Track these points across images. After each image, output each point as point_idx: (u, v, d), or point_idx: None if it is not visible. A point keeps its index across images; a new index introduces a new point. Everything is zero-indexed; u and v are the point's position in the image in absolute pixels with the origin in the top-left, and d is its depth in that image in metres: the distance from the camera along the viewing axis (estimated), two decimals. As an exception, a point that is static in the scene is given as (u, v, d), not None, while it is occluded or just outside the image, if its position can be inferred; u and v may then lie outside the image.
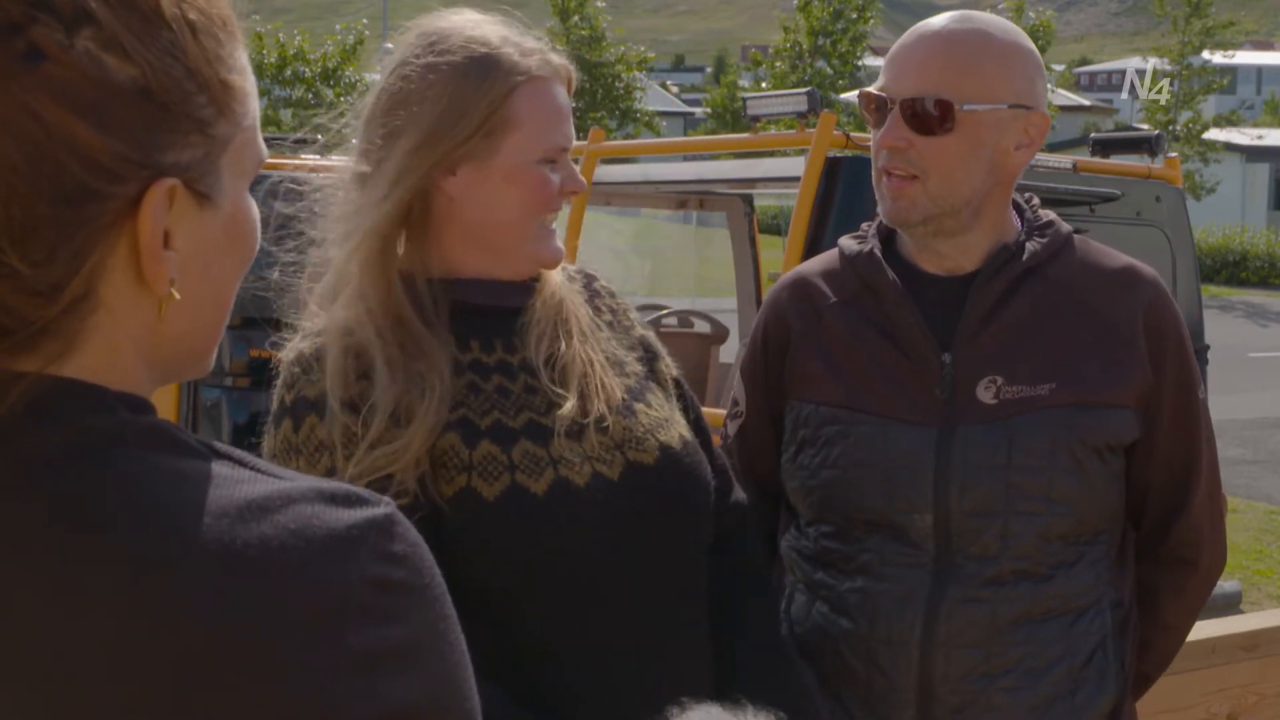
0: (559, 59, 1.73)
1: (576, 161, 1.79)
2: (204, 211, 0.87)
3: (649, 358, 1.84)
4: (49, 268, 0.80)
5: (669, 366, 1.87)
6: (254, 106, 0.91)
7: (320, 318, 1.67)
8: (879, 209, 1.91)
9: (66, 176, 0.80)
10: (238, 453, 0.86)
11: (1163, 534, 1.98)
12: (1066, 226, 1.97)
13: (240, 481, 0.83)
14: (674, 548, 1.70)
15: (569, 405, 1.68)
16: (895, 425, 1.87)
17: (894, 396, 1.88)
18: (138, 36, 0.82)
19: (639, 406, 1.73)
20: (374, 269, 1.65)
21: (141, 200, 0.83)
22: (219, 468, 0.84)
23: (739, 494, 1.87)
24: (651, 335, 1.89)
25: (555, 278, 1.78)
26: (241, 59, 0.90)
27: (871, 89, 1.91)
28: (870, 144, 1.95)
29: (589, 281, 1.87)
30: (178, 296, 0.85)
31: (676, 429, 1.75)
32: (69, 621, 0.77)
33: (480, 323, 1.71)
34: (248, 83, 0.90)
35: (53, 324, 0.82)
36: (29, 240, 0.79)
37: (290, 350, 1.66)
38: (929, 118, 1.83)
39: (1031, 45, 1.92)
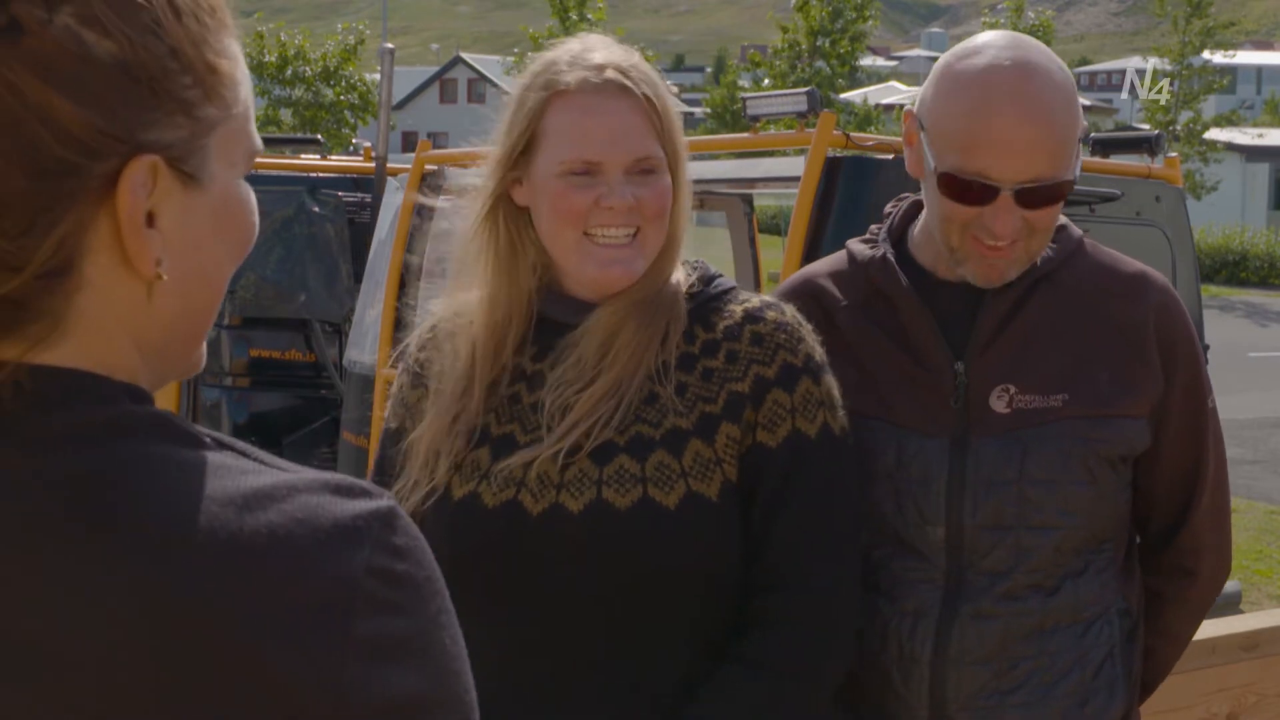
0: (617, 75, 1.70)
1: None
2: (190, 193, 0.87)
3: (724, 416, 1.70)
4: (24, 240, 0.80)
5: (771, 434, 1.70)
6: (245, 94, 0.91)
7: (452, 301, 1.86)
8: (962, 266, 1.83)
9: (43, 150, 0.80)
10: (240, 444, 0.86)
11: (1164, 542, 1.96)
12: (1077, 231, 1.94)
13: (245, 472, 0.83)
14: (601, 596, 1.66)
15: (544, 435, 1.70)
16: (910, 435, 1.84)
17: (908, 405, 1.85)
18: (117, 13, 0.82)
19: (622, 459, 1.67)
20: (479, 265, 1.79)
21: (120, 176, 0.83)
22: (223, 458, 0.84)
23: (777, 600, 1.69)
24: (776, 395, 1.70)
25: (618, 303, 1.72)
26: (231, 47, 0.90)
27: (963, 173, 1.76)
28: (934, 200, 1.83)
29: (712, 311, 1.76)
30: (165, 277, 0.85)
31: (653, 491, 1.65)
32: (78, 618, 0.78)
33: (545, 330, 1.77)
34: (238, 70, 0.90)
35: (34, 302, 0.82)
36: (5, 213, 0.80)
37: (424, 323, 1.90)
38: (1049, 198, 1.77)
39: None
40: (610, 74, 1.70)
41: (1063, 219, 1.93)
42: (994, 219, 1.76)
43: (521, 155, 1.73)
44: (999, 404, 1.83)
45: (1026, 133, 1.74)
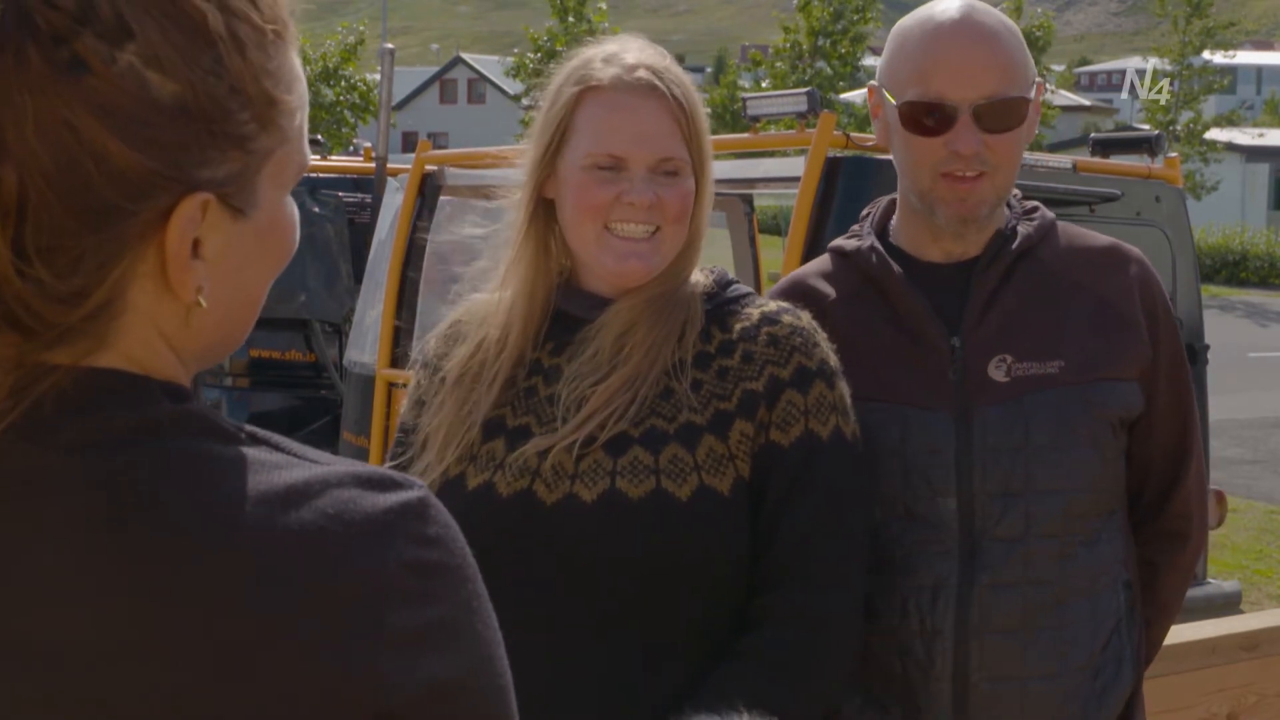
0: (649, 75, 1.73)
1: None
2: (237, 222, 0.87)
3: (738, 413, 1.72)
4: (72, 278, 0.81)
5: (784, 434, 1.72)
6: (301, 118, 0.91)
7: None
8: (935, 213, 1.90)
9: (95, 191, 0.80)
10: (275, 438, 0.87)
11: (1158, 509, 2.02)
12: (1050, 213, 2.02)
13: (279, 467, 0.84)
14: (610, 588, 1.67)
15: (559, 427, 1.71)
16: (912, 412, 1.88)
17: (908, 384, 1.90)
18: (181, 53, 0.82)
19: (636, 450, 1.69)
20: (511, 262, 1.81)
21: (172, 213, 0.83)
22: (258, 453, 0.85)
23: (780, 598, 1.70)
24: (790, 396, 1.73)
25: (634, 299, 1.75)
26: (292, 68, 0.89)
27: (923, 99, 1.85)
28: (902, 149, 1.91)
29: (729, 314, 1.79)
30: (204, 305, 0.86)
31: (666, 483, 1.67)
32: (118, 612, 0.79)
33: (562, 325, 1.80)
34: (294, 96, 0.89)
35: (80, 326, 0.83)
36: (55, 251, 0.80)
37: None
38: (1007, 117, 1.86)
39: None
40: (642, 74, 1.74)
41: (1034, 201, 2.02)
42: (957, 141, 1.85)
43: (554, 150, 1.77)
44: (998, 373, 1.89)
45: (976, 52, 1.86)
